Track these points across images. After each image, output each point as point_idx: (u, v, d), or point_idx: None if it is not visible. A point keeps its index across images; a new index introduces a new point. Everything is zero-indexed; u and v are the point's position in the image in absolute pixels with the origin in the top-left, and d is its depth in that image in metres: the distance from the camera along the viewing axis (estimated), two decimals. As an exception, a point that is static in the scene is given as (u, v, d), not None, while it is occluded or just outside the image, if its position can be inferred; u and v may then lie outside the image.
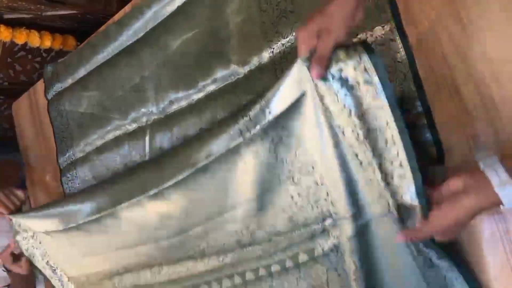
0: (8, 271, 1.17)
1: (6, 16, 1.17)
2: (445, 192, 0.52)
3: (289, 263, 0.70)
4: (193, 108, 0.90)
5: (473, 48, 0.59)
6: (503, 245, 0.58)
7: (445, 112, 0.62)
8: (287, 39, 0.76)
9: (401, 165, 0.54)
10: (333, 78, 0.53)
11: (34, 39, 1.27)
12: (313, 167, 0.62)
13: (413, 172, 0.54)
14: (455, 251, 0.60)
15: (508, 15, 0.57)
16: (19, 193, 1.13)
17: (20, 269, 1.11)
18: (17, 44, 1.26)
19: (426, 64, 0.63)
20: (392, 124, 0.53)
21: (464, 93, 0.60)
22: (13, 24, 1.22)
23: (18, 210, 1.09)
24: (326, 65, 0.53)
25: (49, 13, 1.20)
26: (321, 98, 0.55)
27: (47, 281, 1.19)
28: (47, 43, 1.30)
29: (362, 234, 0.61)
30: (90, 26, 1.24)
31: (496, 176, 0.48)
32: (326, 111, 0.55)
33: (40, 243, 1.05)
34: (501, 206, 0.48)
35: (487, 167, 0.49)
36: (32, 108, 1.28)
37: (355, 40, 0.66)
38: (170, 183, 0.71)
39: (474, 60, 0.59)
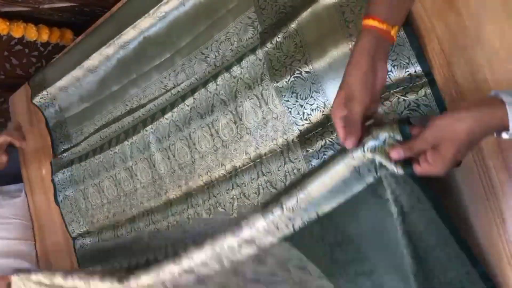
0: None
1: (3, 9, 1.16)
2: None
3: None
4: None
5: (469, 35, 0.59)
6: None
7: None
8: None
9: None
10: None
11: (31, 33, 1.26)
12: None
13: None
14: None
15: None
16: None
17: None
18: (14, 38, 1.25)
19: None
20: None
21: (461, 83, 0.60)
22: (10, 17, 1.21)
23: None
24: (358, 135, 0.53)
25: (46, 6, 1.19)
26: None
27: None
28: (44, 37, 1.29)
29: None
30: (87, 19, 1.23)
31: (509, 96, 0.45)
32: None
33: None
34: (503, 133, 0.46)
35: (499, 93, 0.47)
36: (28, 101, 1.28)
37: None
38: None
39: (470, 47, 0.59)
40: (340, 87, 0.55)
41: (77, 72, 1.12)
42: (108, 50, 1.03)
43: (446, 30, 0.61)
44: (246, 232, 0.63)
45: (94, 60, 1.06)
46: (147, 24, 0.96)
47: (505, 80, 0.57)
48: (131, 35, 0.99)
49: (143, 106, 1.00)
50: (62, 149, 1.21)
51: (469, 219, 0.60)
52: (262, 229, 0.61)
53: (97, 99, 1.11)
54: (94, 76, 1.11)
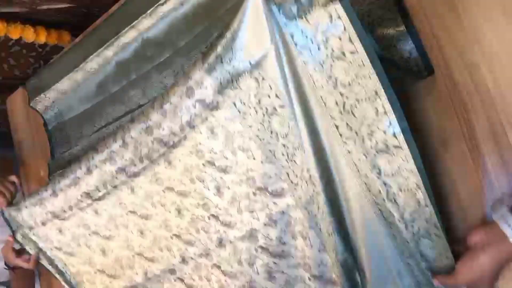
0: (10, 267, 1.12)
1: (0, 10, 1.16)
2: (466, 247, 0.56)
3: None
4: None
5: (467, 37, 0.59)
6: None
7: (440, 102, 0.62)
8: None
9: (394, 135, 0.54)
10: (318, 46, 0.53)
11: (29, 34, 1.26)
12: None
13: (407, 140, 0.54)
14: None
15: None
16: (13, 177, 1.12)
17: (27, 263, 1.04)
18: (12, 39, 1.25)
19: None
20: (382, 92, 0.52)
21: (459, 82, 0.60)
22: (7, 18, 1.21)
23: (13, 197, 1.07)
24: None
25: (44, 7, 1.19)
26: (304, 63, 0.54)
27: (41, 276, 1.18)
28: (42, 38, 1.29)
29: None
30: (85, 20, 1.23)
31: (509, 228, 0.50)
32: (310, 79, 0.55)
33: (39, 236, 1.02)
34: None
35: (500, 219, 0.51)
36: (26, 103, 1.27)
37: None
38: None
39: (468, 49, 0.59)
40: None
41: (75, 75, 1.11)
42: (107, 52, 1.03)
43: (444, 30, 0.61)
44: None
45: (92, 62, 1.06)
46: (146, 25, 0.96)
47: (503, 79, 0.57)
48: (130, 36, 0.99)
49: (141, 106, 1.00)
50: (61, 152, 1.21)
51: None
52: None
53: (96, 101, 1.11)
54: (93, 78, 1.10)
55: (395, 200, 0.58)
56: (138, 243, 0.86)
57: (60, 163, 1.19)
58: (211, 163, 0.67)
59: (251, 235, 0.71)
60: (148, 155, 0.71)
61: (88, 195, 0.83)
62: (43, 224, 0.96)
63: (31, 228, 1.00)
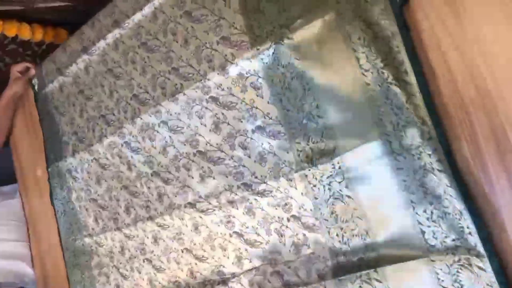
0: None
1: (-4, 8, 1.16)
2: None
3: None
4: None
5: (467, 37, 0.59)
6: None
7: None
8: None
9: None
10: None
11: (25, 32, 1.26)
12: None
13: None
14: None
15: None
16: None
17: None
18: (8, 37, 1.24)
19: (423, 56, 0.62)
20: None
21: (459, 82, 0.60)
22: (3, 16, 1.20)
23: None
24: None
25: (40, 5, 1.18)
26: None
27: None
28: (39, 36, 1.28)
29: None
30: (82, 18, 1.22)
31: None
32: None
33: None
34: None
35: None
36: (23, 101, 1.26)
37: None
38: None
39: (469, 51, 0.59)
40: None
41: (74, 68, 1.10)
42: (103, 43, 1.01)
43: (444, 30, 0.60)
44: None
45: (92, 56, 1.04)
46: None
47: (503, 79, 0.57)
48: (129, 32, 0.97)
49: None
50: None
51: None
52: None
53: (93, 94, 1.09)
54: (90, 72, 1.09)
55: None
56: None
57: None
58: None
59: None
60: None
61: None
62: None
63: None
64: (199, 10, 0.82)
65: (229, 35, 0.77)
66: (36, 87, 1.21)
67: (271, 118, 0.74)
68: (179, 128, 0.88)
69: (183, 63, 0.84)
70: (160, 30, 0.89)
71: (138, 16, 0.93)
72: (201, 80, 0.81)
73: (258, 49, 0.73)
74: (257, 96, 0.75)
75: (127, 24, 0.95)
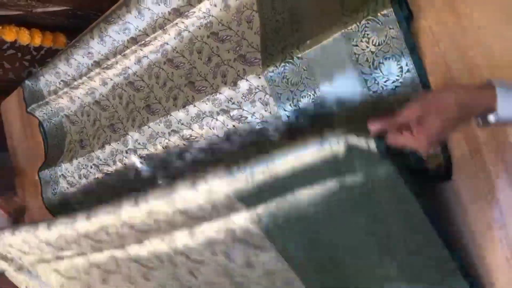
0: None
1: (-5, 13, 1.16)
2: None
3: None
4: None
5: (467, 37, 0.59)
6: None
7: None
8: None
9: None
10: None
11: (24, 37, 1.25)
12: None
13: None
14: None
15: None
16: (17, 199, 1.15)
17: None
18: (6, 42, 1.24)
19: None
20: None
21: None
22: (2, 21, 1.20)
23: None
24: (384, 128, 0.50)
25: (39, 9, 1.18)
26: None
27: None
28: (37, 40, 1.28)
29: None
30: (80, 23, 1.22)
31: (500, 82, 0.45)
32: None
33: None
34: (490, 116, 0.45)
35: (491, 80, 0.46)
36: (21, 106, 1.26)
37: None
38: None
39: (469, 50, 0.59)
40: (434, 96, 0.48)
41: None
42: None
43: (444, 30, 0.61)
44: None
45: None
46: None
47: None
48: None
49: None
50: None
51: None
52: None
53: (109, 105, 1.10)
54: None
55: None
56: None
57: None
58: None
59: None
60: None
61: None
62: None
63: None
64: (225, 31, 0.85)
65: (246, 53, 0.79)
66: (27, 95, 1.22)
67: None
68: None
69: (200, 77, 0.86)
70: (186, 48, 0.92)
71: (159, 33, 0.94)
72: (212, 94, 0.81)
73: (268, 66, 0.73)
74: (265, 111, 0.77)
75: (149, 40, 0.96)
